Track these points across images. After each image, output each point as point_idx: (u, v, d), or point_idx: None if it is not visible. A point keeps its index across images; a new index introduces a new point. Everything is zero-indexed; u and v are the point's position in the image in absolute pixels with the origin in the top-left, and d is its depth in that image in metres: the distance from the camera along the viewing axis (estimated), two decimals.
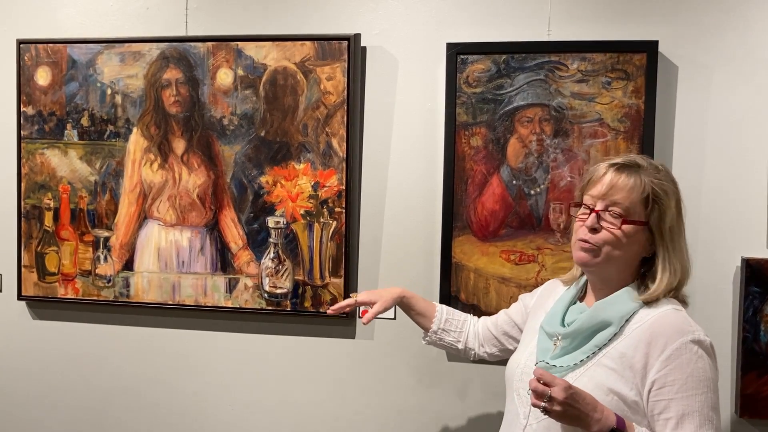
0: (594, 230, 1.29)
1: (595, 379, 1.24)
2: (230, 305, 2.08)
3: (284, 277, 2.04)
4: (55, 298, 2.18)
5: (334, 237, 2.01)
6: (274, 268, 2.04)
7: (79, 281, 2.16)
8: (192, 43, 2.05)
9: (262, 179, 2.04)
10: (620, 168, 1.30)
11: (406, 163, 2.00)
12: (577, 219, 1.34)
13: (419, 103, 1.99)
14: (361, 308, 2.03)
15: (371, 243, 2.03)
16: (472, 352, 1.67)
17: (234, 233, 2.07)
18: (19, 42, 2.14)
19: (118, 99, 2.11)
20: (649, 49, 1.82)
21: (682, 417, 1.19)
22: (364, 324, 1.60)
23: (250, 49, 2.02)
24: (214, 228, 2.08)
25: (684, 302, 1.33)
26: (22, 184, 2.18)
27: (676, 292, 1.30)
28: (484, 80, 1.91)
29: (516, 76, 1.89)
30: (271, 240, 2.04)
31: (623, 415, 1.22)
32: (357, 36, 1.97)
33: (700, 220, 1.86)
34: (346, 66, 1.96)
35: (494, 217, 1.92)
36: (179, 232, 2.10)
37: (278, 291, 2.05)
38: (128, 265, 2.13)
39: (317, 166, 2.00)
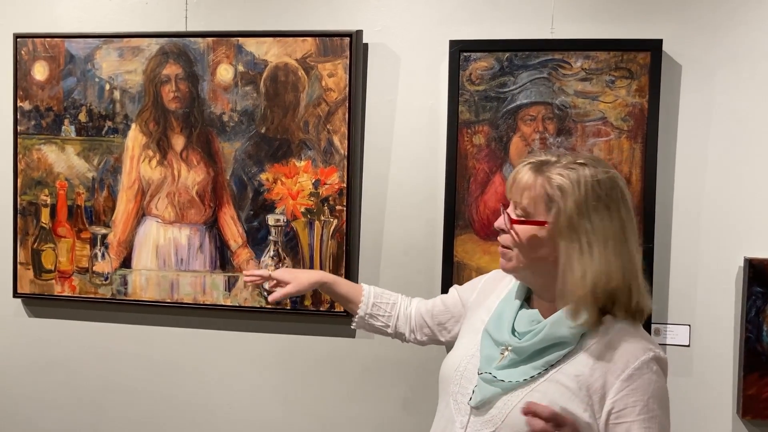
0: (504, 232, 1.23)
1: (549, 396, 1.15)
2: (229, 303, 2.06)
3: None
4: (51, 296, 2.16)
5: (334, 235, 1.99)
6: (274, 266, 2.02)
7: (76, 279, 2.14)
8: (192, 39, 2.03)
9: (263, 176, 2.02)
10: (528, 165, 1.21)
11: (408, 161, 1.99)
12: None
13: (421, 101, 1.97)
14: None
15: (372, 241, 2.02)
16: (403, 337, 1.56)
17: (233, 231, 2.05)
18: (16, 36, 2.12)
19: (117, 94, 2.08)
20: (653, 47, 1.81)
21: None
22: (270, 302, 1.55)
23: (250, 44, 2.00)
24: (213, 226, 2.06)
25: (640, 315, 1.20)
26: (19, 180, 2.15)
27: (625, 307, 1.17)
28: (487, 78, 1.89)
29: (519, 74, 1.88)
30: (271, 238, 2.02)
31: None
32: (359, 32, 1.95)
33: (702, 220, 1.86)
34: (348, 63, 1.94)
35: (496, 216, 1.89)
36: (178, 229, 2.08)
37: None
38: (126, 263, 2.11)
39: (318, 163, 1.99)
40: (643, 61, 1.82)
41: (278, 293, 1.54)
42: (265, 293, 2.03)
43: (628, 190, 1.21)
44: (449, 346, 1.46)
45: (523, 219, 1.19)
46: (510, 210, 1.23)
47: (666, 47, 1.83)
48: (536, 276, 1.23)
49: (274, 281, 1.56)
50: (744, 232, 1.84)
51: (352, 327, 1.61)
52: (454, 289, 1.53)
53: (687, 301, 1.88)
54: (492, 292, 1.38)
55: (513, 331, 1.24)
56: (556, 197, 1.15)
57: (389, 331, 1.57)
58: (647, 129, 1.82)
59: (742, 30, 1.82)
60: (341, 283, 1.59)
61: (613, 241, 1.15)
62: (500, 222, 1.24)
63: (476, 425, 1.20)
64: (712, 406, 1.87)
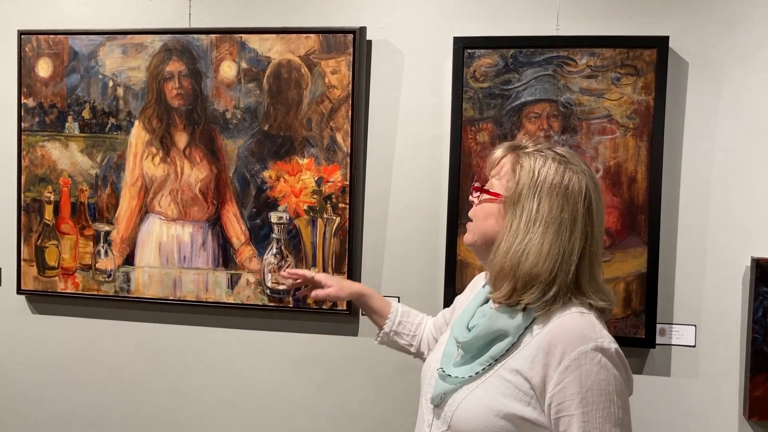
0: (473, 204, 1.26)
1: (492, 392, 1.13)
2: (232, 301, 2.06)
3: None
4: (54, 293, 2.16)
5: (337, 233, 1.98)
6: (277, 264, 2.02)
7: (79, 276, 2.14)
8: (195, 36, 2.02)
9: (265, 174, 2.01)
10: (504, 144, 1.24)
11: (411, 158, 1.98)
12: None
13: (425, 98, 1.96)
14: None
15: (375, 239, 2.01)
16: (423, 356, 1.56)
17: (236, 228, 2.04)
18: (21, 33, 2.12)
19: (120, 91, 2.08)
20: (660, 44, 1.79)
21: None
22: (310, 300, 1.62)
23: (254, 41, 1.99)
24: (216, 223, 2.05)
25: (589, 305, 1.14)
26: (23, 177, 2.15)
27: (542, 296, 1.12)
28: (492, 75, 1.88)
29: (524, 71, 1.86)
30: (273, 235, 2.02)
31: (524, 430, 1.11)
32: (362, 29, 1.94)
33: (709, 219, 1.84)
34: (352, 60, 1.93)
35: None
36: (181, 226, 2.08)
37: (280, 287, 2.02)
38: (129, 260, 2.11)
39: (321, 161, 1.98)
40: (649, 58, 1.80)
41: (322, 293, 1.56)
42: (268, 291, 2.03)
43: (599, 199, 1.17)
44: None
45: (480, 187, 1.22)
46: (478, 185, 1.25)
47: (672, 44, 1.81)
48: (488, 255, 1.21)
49: (299, 281, 1.59)
50: (751, 232, 1.82)
51: (376, 342, 1.60)
52: (460, 295, 1.53)
53: (693, 301, 1.86)
54: (472, 291, 1.39)
55: (468, 326, 1.24)
56: (515, 173, 1.16)
57: (412, 350, 1.58)
58: (653, 127, 1.81)
59: (749, 26, 1.80)
60: (377, 299, 1.60)
61: (555, 229, 1.12)
62: (471, 196, 1.27)
63: (438, 423, 1.20)
64: (718, 408, 1.85)
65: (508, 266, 1.13)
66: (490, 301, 1.26)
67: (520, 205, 1.14)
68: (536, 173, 1.15)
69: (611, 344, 1.09)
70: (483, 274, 1.42)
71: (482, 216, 1.21)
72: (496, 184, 1.20)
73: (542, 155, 1.17)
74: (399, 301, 1.98)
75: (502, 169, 1.20)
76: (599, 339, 1.09)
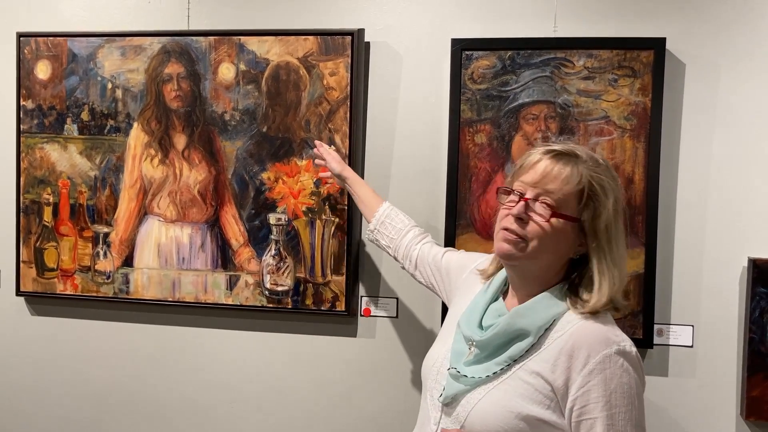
0: (520, 220, 1.15)
1: (509, 393, 1.13)
2: (231, 302, 2.06)
3: (285, 274, 2.02)
4: (53, 294, 2.16)
5: (336, 234, 1.99)
6: (275, 265, 2.02)
7: (78, 277, 2.14)
8: (194, 38, 2.03)
9: (264, 175, 2.02)
10: (557, 156, 1.16)
11: (409, 160, 1.98)
12: (503, 206, 1.20)
13: (423, 100, 1.97)
14: (363, 306, 2.02)
15: None
16: (402, 266, 1.66)
17: (235, 230, 2.05)
18: (19, 35, 2.12)
19: (119, 93, 2.09)
20: (657, 46, 1.80)
21: None
22: (316, 150, 1.84)
23: (252, 43, 1.99)
24: (214, 224, 2.06)
25: (615, 309, 1.20)
26: (21, 179, 2.16)
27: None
28: (489, 76, 1.89)
29: (521, 72, 1.87)
30: (272, 237, 2.02)
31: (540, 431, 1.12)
32: (361, 31, 1.95)
33: (706, 220, 1.84)
34: (350, 61, 1.94)
35: (496, 209, 1.89)
36: (180, 228, 2.08)
37: (279, 288, 2.03)
38: (128, 262, 2.11)
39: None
40: (647, 59, 1.81)
41: (325, 153, 1.82)
42: (267, 292, 2.03)
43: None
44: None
45: (560, 212, 1.14)
46: (530, 197, 1.16)
47: (669, 45, 1.81)
48: (536, 267, 1.19)
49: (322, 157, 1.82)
50: (748, 233, 1.83)
51: (365, 239, 1.78)
52: (457, 257, 1.52)
53: (690, 301, 1.86)
54: (477, 282, 1.36)
55: (480, 325, 1.23)
56: (597, 195, 1.15)
57: (391, 253, 1.68)
58: (650, 128, 1.81)
59: (747, 28, 1.81)
60: (364, 189, 1.74)
61: (624, 242, 1.19)
62: (520, 209, 1.16)
63: (446, 422, 1.20)
64: (716, 408, 1.86)
65: (608, 299, 1.15)
66: (501, 298, 1.26)
67: (608, 230, 1.15)
68: (609, 193, 1.16)
69: (631, 348, 1.13)
70: (480, 263, 1.40)
71: (554, 239, 1.15)
72: (564, 204, 1.14)
73: (607, 170, 1.18)
74: (398, 301, 1.99)
75: (571, 186, 1.14)
76: (621, 342, 1.12)
